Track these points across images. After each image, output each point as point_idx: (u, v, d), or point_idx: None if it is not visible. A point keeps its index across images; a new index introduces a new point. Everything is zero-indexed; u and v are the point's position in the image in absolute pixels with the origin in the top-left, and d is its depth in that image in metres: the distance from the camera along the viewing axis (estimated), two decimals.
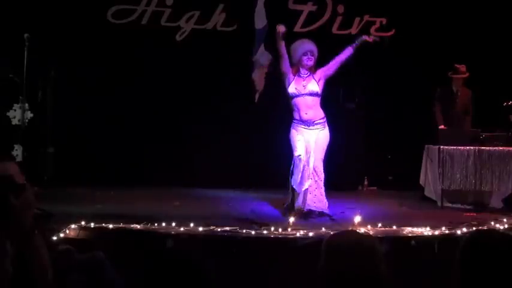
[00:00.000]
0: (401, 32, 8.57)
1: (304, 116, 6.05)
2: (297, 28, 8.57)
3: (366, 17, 8.63)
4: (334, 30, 8.63)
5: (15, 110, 7.61)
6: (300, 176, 5.97)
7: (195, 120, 8.23)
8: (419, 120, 7.91)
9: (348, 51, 6.10)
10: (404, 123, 8.23)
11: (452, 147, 6.98)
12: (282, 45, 6.17)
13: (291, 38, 8.40)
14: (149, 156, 8.17)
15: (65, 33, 7.99)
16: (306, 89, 6.04)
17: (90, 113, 8.07)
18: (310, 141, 6.04)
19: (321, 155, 6.07)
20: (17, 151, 7.36)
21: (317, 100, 6.10)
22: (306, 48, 6.08)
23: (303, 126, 6.07)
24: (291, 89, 6.09)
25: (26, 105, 7.37)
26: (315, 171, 6.00)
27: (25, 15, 7.72)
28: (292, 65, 6.17)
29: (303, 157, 6.00)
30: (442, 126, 7.52)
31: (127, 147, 8.14)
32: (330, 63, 6.12)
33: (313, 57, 6.09)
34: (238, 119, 8.04)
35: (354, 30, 8.62)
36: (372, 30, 8.65)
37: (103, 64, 8.09)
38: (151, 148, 8.23)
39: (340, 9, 8.60)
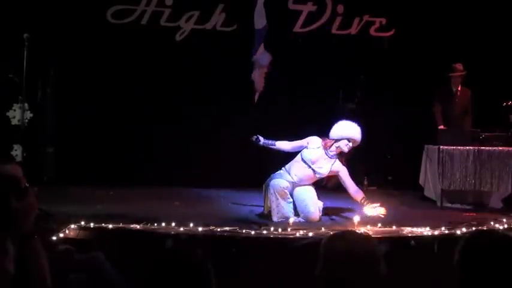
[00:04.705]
0: (401, 32, 8.58)
1: (294, 178, 5.92)
2: (297, 28, 8.58)
3: (366, 17, 8.63)
4: (334, 30, 8.63)
5: (14, 110, 7.61)
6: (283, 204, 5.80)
7: (194, 120, 8.23)
8: (419, 120, 7.91)
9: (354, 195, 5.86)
10: (404, 123, 8.23)
11: (452, 147, 6.97)
12: (280, 147, 6.02)
13: (290, 38, 8.50)
14: (149, 156, 8.16)
15: (65, 33, 7.98)
16: (319, 168, 5.85)
17: (90, 112, 8.06)
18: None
19: (309, 198, 5.85)
20: (17, 151, 7.37)
21: (315, 179, 5.95)
22: (355, 139, 5.82)
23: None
24: (308, 153, 5.87)
25: (26, 105, 7.35)
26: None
27: (25, 15, 7.71)
28: (325, 136, 5.89)
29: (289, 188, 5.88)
30: (441, 126, 7.53)
31: (127, 147, 8.14)
32: (345, 181, 5.88)
33: (351, 149, 5.86)
34: (238, 119, 8.03)
35: (353, 31, 8.62)
36: (372, 30, 8.67)
37: (103, 64, 8.08)
38: (151, 148, 8.23)
39: (340, 9, 8.59)
